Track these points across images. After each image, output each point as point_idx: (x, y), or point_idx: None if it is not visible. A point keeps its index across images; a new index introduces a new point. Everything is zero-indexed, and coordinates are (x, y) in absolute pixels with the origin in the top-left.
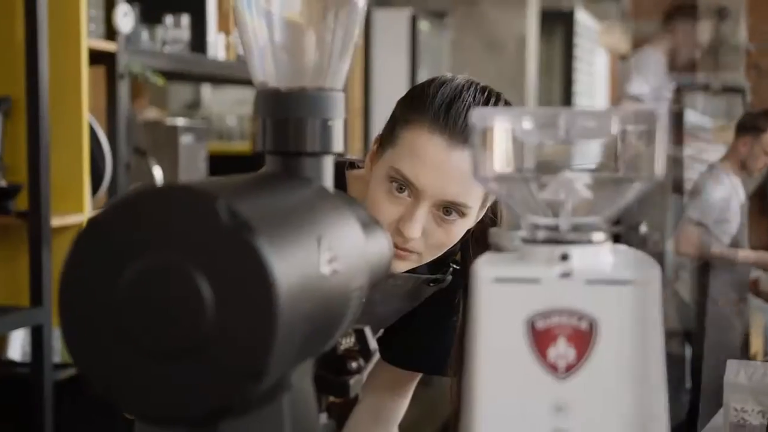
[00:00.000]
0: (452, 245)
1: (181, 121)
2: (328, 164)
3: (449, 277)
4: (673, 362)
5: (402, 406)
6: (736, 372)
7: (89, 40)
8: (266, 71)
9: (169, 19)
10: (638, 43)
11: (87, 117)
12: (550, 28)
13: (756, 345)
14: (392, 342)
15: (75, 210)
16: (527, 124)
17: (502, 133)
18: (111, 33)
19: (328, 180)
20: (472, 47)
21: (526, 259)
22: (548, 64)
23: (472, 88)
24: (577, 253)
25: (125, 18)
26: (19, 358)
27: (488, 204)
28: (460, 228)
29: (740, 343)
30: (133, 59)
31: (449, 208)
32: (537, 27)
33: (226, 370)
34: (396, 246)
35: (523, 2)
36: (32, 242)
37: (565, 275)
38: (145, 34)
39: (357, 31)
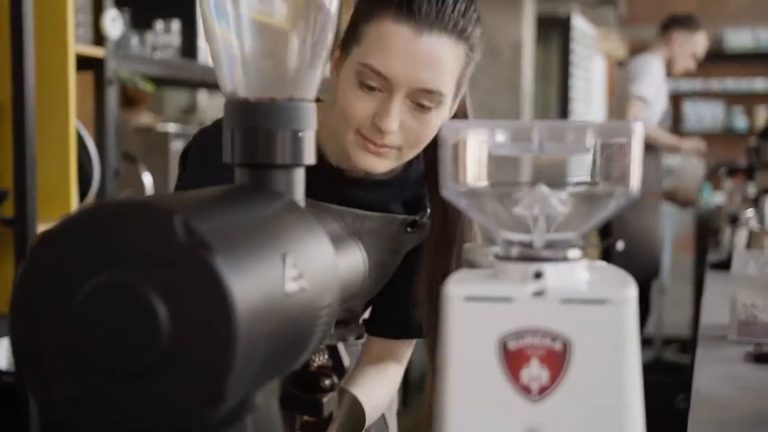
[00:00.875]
0: (430, 137)
1: (172, 127)
2: (299, 176)
3: (427, 221)
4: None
5: (401, 370)
6: (744, 263)
7: (77, 45)
8: (235, 80)
9: (159, 25)
10: (635, 49)
11: (74, 123)
12: (547, 34)
13: None
14: (376, 315)
15: (62, 217)
16: (500, 137)
17: (474, 146)
18: (99, 38)
19: (299, 192)
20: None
21: (500, 276)
22: (545, 69)
23: None
24: (551, 270)
25: (114, 23)
26: (5, 367)
27: (461, 95)
28: (436, 119)
29: (660, 240)
30: (122, 65)
31: (423, 102)
32: (533, 33)
33: (183, 393)
34: (374, 143)
35: (519, 8)
36: (18, 250)
37: (539, 294)
38: (135, 40)
39: (329, 39)
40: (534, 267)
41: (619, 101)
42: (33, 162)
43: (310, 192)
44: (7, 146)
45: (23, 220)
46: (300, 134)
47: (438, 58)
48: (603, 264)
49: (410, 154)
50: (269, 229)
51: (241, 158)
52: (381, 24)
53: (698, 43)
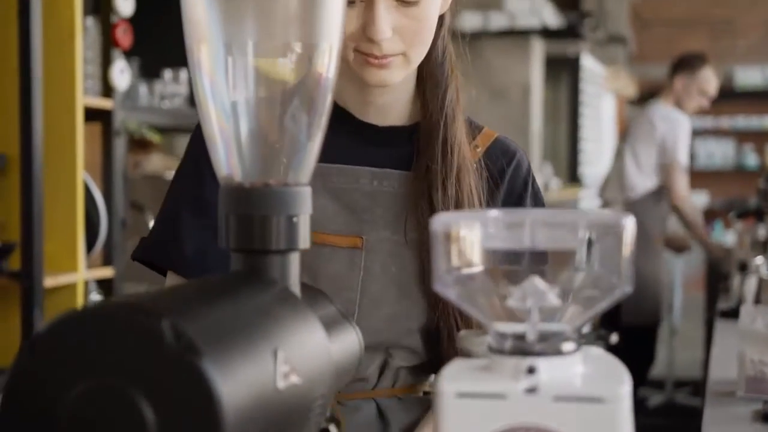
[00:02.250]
0: (431, 32)
1: None
2: (294, 261)
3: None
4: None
5: None
6: (751, 318)
7: (85, 97)
8: (230, 165)
9: (167, 74)
10: (645, 88)
11: (82, 175)
12: (556, 74)
13: None
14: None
15: (69, 269)
16: (492, 230)
17: (465, 237)
18: (108, 89)
19: (294, 277)
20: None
21: (493, 370)
22: (554, 109)
23: None
24: (544, 365)
25: (122, 75)
26: None
27: None
28: (429, 9)
29: (664, 286)
30: (130, 115)
31: None
32: (542, 74)
33: None
34: (375, 56)
35: (527, 50)
36: (24, 303)
37: (531, 390)
38: (143, 89)
39: (323, 123)
40: (527, 362)
41: (661, 166)
42: (40, 215)
43: (327, 151)
44: (15, 199)
45: (29, 273)
46: (295, 219)
47: None
48: (598, 352)
49: (418, 55)
50: (261, 323)
51: (235, 244)
52: None
53: (704, 80)
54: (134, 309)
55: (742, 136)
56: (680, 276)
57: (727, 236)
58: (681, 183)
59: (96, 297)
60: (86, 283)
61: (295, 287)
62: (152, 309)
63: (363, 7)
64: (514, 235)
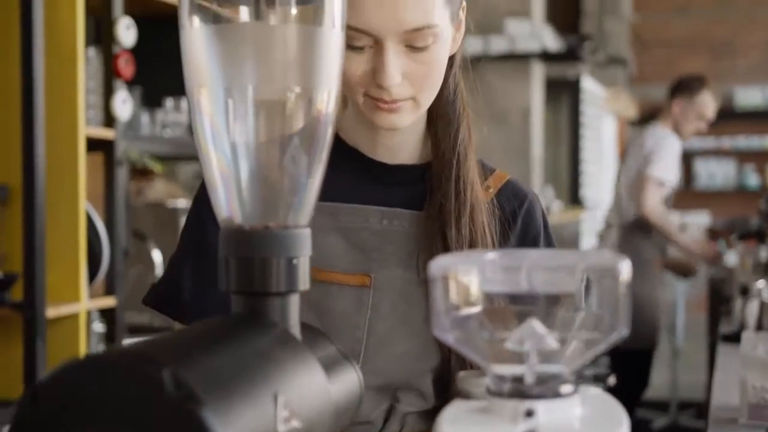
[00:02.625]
0: (441, 75)
1: (182, 203)
2: (294, 303)
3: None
4: None
5: None
6: (753, 344)
7: (88, 127)
8: (230, 208)
9: (169, 103)
10: (645, 108)
11: (84, 205)
12: (557, 96)
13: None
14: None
15: (71, 299)
16: (489, 273)
17: (463, 281)
18: (110, 119)
19: (294, 319)
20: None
21: (492, 412)
22: (555, 131)
23: None
24: (543, 408)
25: (124, 105)
26: None
27: (461, 12)
28: (438, 53)
29: (660, 310)
30: (132, 145)
31: (416, 44)
32: (542, 97)
33: None
34: (384, 101)
35: (528, 74)
36: (27, 334)
37: None
38: (145, 117)
39: (322, 165)
40: (525, 405)
41: (637, 178)
42: (42, 246)
43: (337, 190)
44: (17, 230)
45: (32, 304)
46: (294, 261)
47: None
48: (596, 392)
49: (428, 99)
50: (261, 367)
51: (236, 286)
52: None
53: (702, 104)
54: (136, 357)
55: (743, 156)
56: (683, 297)
57: (729, 257)
58: (650, 194)
59: (98, 326)
60: (89, 313)
61: (295, 329)
62: (153, 357)
63: (372, 53)
64: (512, 278)
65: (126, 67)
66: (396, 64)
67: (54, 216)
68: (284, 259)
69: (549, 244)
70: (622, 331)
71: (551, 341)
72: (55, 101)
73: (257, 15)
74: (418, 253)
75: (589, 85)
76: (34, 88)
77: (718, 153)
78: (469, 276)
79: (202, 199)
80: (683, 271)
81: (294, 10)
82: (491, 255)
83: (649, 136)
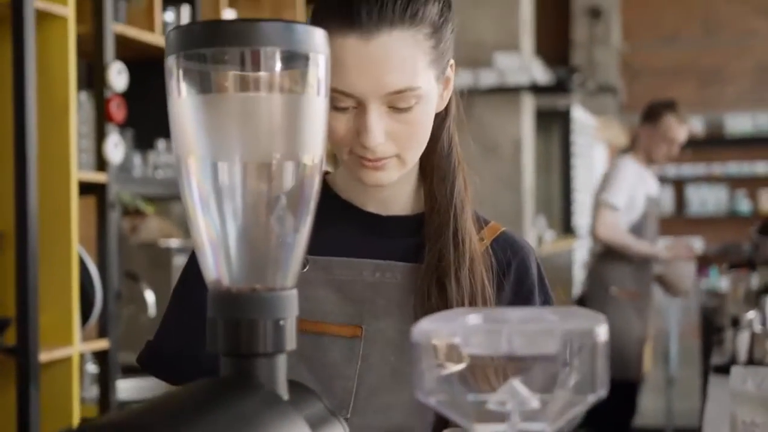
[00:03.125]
0: (427, 133)
1: (175, 243)
2: (281, 363)
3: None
4: None
5: None
6: (742, 380)
7: (80, 172)
8: (218, 270)
9: (161, 144)
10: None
11: (76, 249)
12: (547, 127)
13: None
14: None
15: (64, 343)
16: (471, 337)
17: (445, 344)
18: (102, 163)
19: (281, 379)
20: (467, 151)
21: None
22: (546, 161)
23: None
24: None
25: (116, 149)
26: None
27: (446, 72)
28: (422, 113)
29: (638, 342)
30: (124, 187)
31: (399, 105)
32: (533, 128)
33: None
34: (368, 159)
35: (518, 106)
36: (20, 379)
37: None
38: (137, 159)
39: (308, 226)
40: None
41: (593, 205)
42: (35, 290)
43: (330, 243)
44: (10, 274)
45: (25, 349)
46: (281, 322)
47: (395, 55)
48: None
49: (413, 157)
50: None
51: (224, 348)
52: (330, 43)
53: (666, 128)
54: (120, 428)
55: (734, 182)
56: (676, 324)
57: (721, 282)
58: (600, 218)
59: (91, 368)
60: (81, 356)
61: (283, 389)
62: (138, 427)
63: (355, 113)
64: (493, 340)
65: (118, 111)
66: (379, 124)
67: (47, 260)
68: (271, 321)
69: (545, 296)
70: (599, 393)
71: (533, 401)
72: (47, 146)
73: (243, 85)
74: (414, 305)
75: (580, 115)
76: (27, 133)
77: (709, 179)
78: (451, 339)
79: (192, 261)
80: (674, 291)
81: (279, 78)
82: (473, 318)
83: (611, 164)
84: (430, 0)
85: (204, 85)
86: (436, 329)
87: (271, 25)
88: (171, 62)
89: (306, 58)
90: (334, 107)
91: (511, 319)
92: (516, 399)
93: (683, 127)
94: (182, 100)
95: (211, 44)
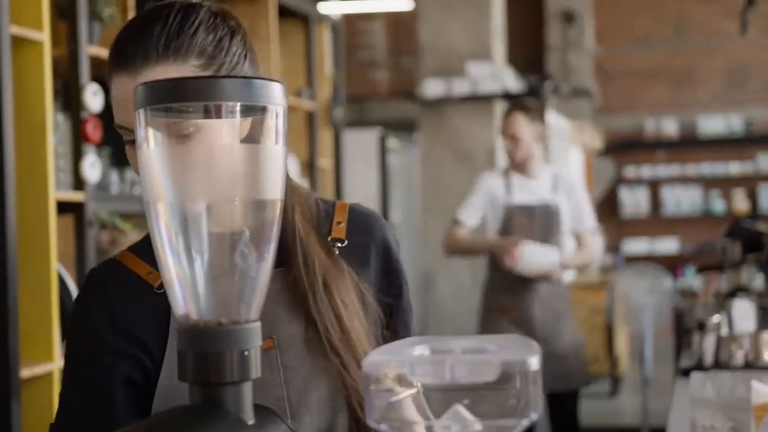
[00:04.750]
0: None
1: None
2: (246, 390)
3: None
4: None
5: None
6: (702, 385)
7: (58, 191)
8: (186, 305)
9: None
10: (610, 138)
11: (55, 267)
12: None
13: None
14: None
15: (44, 359)
16: (417, 368)
17: (394, 375)
18: (79, 182)
19: (247, 404)
20: (442, 159)
21: None
22: None
23: (146, 12)
24: None
25: (92, 168)
26: None
27: None
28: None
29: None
30: (102, 205)
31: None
32: None
33: None
34: None
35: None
36: (1, 395)
37: None
38: (114, 177)
39: (269, 265)
40: None
41: None
42: (15, 308)
43: None
44: None
45: (6, 366)
46: (246, 353)
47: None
48: None
49: None
50: None
51: (193, 377)
52: (111, 81)
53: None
54: None
55: (708, 183)
56: (651, 324)
57: (696, 282)
58: (447, 235)
59: None
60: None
61: (248, 414)
62: None
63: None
64: (437, 370)
65: (94, 131)
66: None
67: (26, 278)
68: (237, 351)
69: (399, 275)
70: (532, 416)
71: (476, 425)
72: (25, 166)
73: (206, 135)
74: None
75: (554, 120)
76: (5, 153)
77: (684, 180)
78: (399, 370)
79: (80, 325)
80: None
81: (239, 128)
82: (419, 350)
83: None
84: (200, 33)
85: (170, 136)
86: (385, 362)
87: (231, 81)
88: (139, 115)
89: (264, 110)
90: (126, 142)
91: (454, 350)
92: (459, 422)
93: (502, 119)
94: (150, 150)
95: (175, 100)
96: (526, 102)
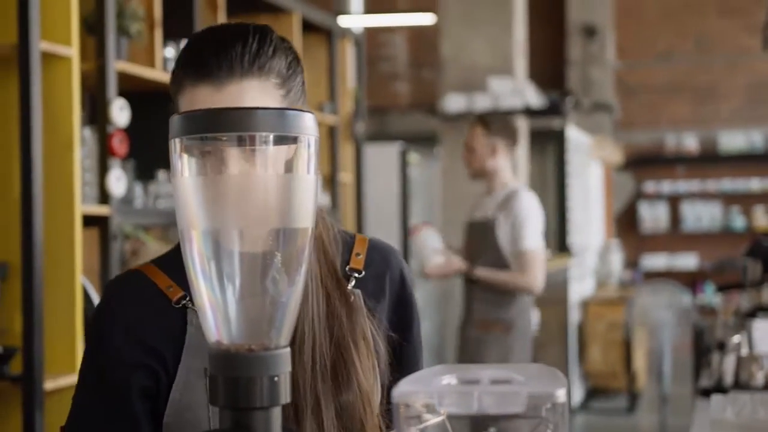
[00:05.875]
0: None
1: None
2: (276, 415)
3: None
4: None
5: None
6: (722, 408)
7: (83, 205)
8: (219, 332)
9: (162, 175)
10: (631, 153)
11: (80, 280)
12: (542, 147)
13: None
14: None
15: (68, 371)
16: (445, 398)
17: (423, 404)
18: (104, 196)
19: (276, 429)
20: (463, 174)
21: None
22: (541, 181)
23: (219, 28)
24: None
25: (118, 182)
26: None
27: None
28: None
29: None
30: (126, 219)
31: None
32: (527, 150)
33: None
34: None
35: None
36: (26, 407)
37: None
38: (139, 190)
39: (299, 290)
40: None
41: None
42: (41, 320)
43: None
44: (16, 305)
45: (31, 377)
46: (276, 379)
47: (245, 101)
48: None
49: None
50: None
51: (223, 402)
52: (186, 92)
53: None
54: None
55: (728, 199)
56: (670, 341)
57: (716, 298)
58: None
59: None
60: None
61: None
62: None
63: None
64: (465, 401)
65: (120, 146)
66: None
67: (52, 291)
68: (267, 377)
69: (412, 307)
70: None
71: None
72: (52, 180)
73: (240, 165)
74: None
75: (574, 134)
76: (33, 168)
77: (704, 196)
78: (427, 400)
79: (96, 334)
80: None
81: (272, 158)
82: (446, 379)
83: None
84: (278, 54)
85: (204, 166)
86: (414, 392)
87: (264, 112)
88: (174, 145)
89: (296, 140)
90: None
91: (483, 381)
92: None
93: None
94: (185, 179)
95: (210, 130)
96: (492, 118)
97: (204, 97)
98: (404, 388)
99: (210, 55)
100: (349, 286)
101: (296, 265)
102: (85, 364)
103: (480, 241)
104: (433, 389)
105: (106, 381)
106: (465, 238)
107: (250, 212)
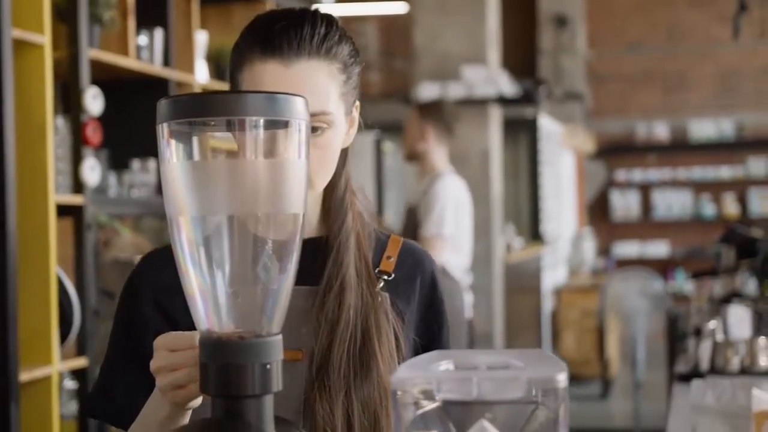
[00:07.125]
0: (334, 161)
1: None
2: (268, 403)
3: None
4: None
5: None
6: (702, 393)
7: (57, 194)
8: (209, 319)
9: (136, 164)
10: (602, 141)
11: (55, 269)
12: (515, 135)
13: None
14: None
15: (43, 362)
16: (444, 384)
17: (421, 390)
18: (78, 186)
19: (268, 417)
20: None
21: None
22: (514, 169)
23: (288, 10)
24: None
25: (92, 171)
26: None
27: (354, 109)
28: (331, 139)
29: None
30: (101, 208)
31: (312, 124)
32: (500, 139)
33: None
34: None
35: (486, 117)
36: (1, 398)
37: None
38: (113, 180)
39: (291, 277)
40: None
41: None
42: (15, 311)
43: None
44: None
45: (5, 370)
46: (268, 366)
47: (311, 82)
48: None
49: (322, 181)
50: None
51: (215, 390)
52: (252, 67)
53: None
54: None
55: (698, 187)
56: (643, 328)
57: (687, 285)
58: None
59: (70, 385)
60: (60, 374)
61: (270, 427)
62: None
63: None
64: (464, 387)
65: (94, 134)
66: None
67: (26, 281)
68: (258, 365)
69: (441, 311)
70: None
71: None
72: (25, 170)
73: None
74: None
75: (546, 123)
76: (6, 157)
77: (674, 184)
78: (425, 386)
79: (129, 299)
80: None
81: (262, 142)
82: (444, 365)
83: None
84: (343, 41)
85: (192, 151)
86: (412, 377)
87: (254, 96)
88: (162, 130)
89: (286, 124)
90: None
91: (481, 366)
92: None
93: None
94: (173, 164)
95: (198, 114)
96: (431, 104)
97: (272, 73)
98: (402, 374)
99: (281, 32)
100: (378, 288)
101: (288, 253)
102: (115, 329)
103: (407, 226)
104: (432, 375)
105: (134, 346)
106: (402, 223)
107: (239, 198)
